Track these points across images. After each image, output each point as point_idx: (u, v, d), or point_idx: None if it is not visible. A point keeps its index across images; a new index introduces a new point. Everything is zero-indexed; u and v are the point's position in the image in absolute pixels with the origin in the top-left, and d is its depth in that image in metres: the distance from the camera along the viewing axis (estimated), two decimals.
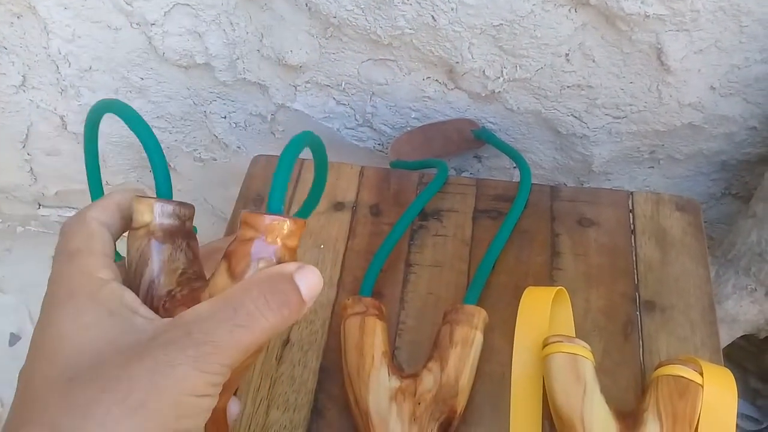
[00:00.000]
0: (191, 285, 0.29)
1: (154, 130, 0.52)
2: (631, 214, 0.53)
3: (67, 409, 0.25)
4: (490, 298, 0.48)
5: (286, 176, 0.30)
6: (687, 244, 0.51)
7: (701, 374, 0.40)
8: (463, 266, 0.51)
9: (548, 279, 0.49)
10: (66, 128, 0.74)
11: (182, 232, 0.30)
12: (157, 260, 0.29)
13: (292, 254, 0.28)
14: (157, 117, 0.71)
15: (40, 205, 0.85)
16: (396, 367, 0.43)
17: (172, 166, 0.75)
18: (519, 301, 0.46)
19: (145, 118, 0.78)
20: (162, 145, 0.54)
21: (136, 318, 0.28)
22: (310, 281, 0.28)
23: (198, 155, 0.74)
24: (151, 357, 0.26)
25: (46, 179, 0.82)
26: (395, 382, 0.41)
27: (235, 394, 0.31)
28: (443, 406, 0.40)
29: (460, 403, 0.41)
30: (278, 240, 0.27)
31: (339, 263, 0.51)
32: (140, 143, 0.32)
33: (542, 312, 0.45)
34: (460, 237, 0.52)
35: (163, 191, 0.31)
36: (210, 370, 0.26)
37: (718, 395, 0.40)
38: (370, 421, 0.39)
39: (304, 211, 0.38)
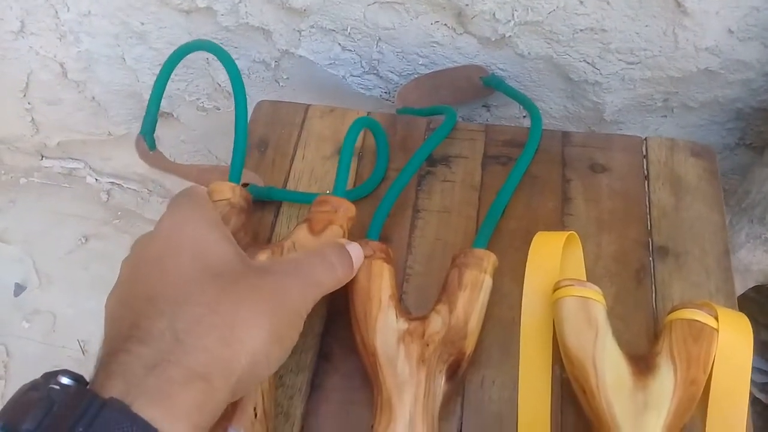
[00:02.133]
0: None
1: (154, 77, 0.51)
2: (644, 160, 0.51)
3: (221, 297, 0.31)
4: (499, 244, 0.47)
5: (349, 161, 0.46)
6: (702, 190, 0.49)
7: (716, 318, 0.39)
8: (472, 212, 0.50)
9: (559, 225, 0.48)
10: (66, 76, 0.73)
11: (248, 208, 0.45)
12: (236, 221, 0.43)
13: (351, 223, 0.44)
14: (158, 65, 0.69)
15: (42, 157, 0.84)
16: (403, 310, 0.42)
17: (174, 115, 0.73)
18: (529, 246, 0.45)
19: (145, 66, 0.76)
20: (164, 94, 0.52)
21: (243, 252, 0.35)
22: (356, 253, 0.40)
23: (201, 104, 0.73)
24: (276, 279, 0.34)
25: (48, 129, 0.80)
26: (403, 325, 0.40)
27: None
28: (451, 348, 0.39)
29: (469, 346, 0.40)
30: (345, 214, 0.44)
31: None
32: (146, 92, 0.40)
33: (553, 256, 0.44)
34: (469, 183, 0.51)
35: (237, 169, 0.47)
36: (310, 298, 0.35)
37: (734, 340, 0.39)
38: (377, 362, 0.39)
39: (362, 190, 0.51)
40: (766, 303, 0.66)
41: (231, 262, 0.34)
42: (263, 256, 0.42)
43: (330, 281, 0.37)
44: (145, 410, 0.26)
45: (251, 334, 0.31)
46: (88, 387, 0.28)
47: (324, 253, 0.38)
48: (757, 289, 0.63)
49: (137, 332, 0.29)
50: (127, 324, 0.30)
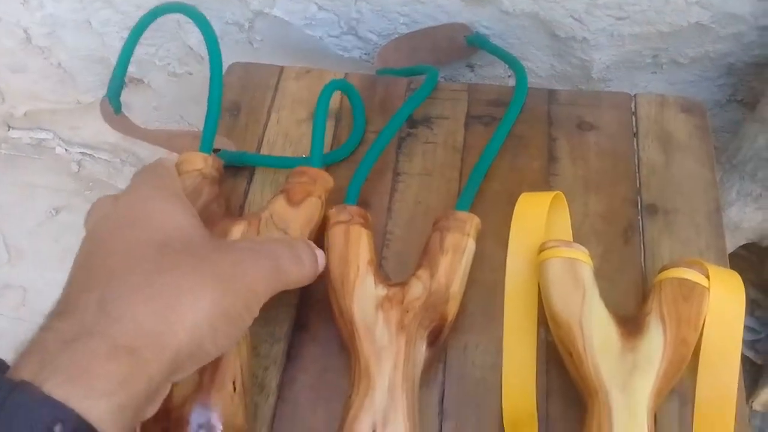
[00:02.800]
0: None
1: (122, 42, 0.48)
2: (633, 117, 0.49)
3: (163, 266, 0.29)
4: (482, 206, 0.45)
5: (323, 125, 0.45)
6: (692, 146, 0.48)
7: (707, 277, 0.38)
8: (455, 174, 0.48)
9: (545, 185, 0.46)
10: (30, 42, 0.69)
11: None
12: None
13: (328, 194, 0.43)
14: (126, 29, 0.66)
15: (9, 128, 0.81)
16: (382, 276, 0.41)
17: (145, 81, 0.70)
18: (513, 208, 0.44)
19: (113, 30, 0.73)
20: (132, 59, 0.50)
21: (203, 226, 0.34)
22: (321, 258, 0.37)
23: (172, 70, 0.70)
24: (234, 254, 0.32)
25: (14, 99, 0.77)
26: (381, 291, 0.38)
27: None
28: (433, 314, 0.38)
29: (451, 311, 0.38)
30: (324, 186, 0.42)
31: None
32: (115, 58, 0.41)
33: (538, 217, 0.42)
34: (451, 144, 0.49)
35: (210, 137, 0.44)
36: (271, 285, 0.33)
37: (725, 299, 0.38)
38: (355, 330, 0.37)
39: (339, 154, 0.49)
40: (756, 261, 0.65)
41: (185, 233, 0.31)
42: (238, 228, 0.40)
43: (295, 273, 0.35)
44: (58, 390, 0.24)
45: (194, 307, 0.28)
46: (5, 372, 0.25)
47: (293, 245, 0.36)
48: (747, 247, 0.62)
49: (64, 306, 0.27)
50: (62, 299, 0.28)
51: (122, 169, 0.78)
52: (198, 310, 0.28)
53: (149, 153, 0.58)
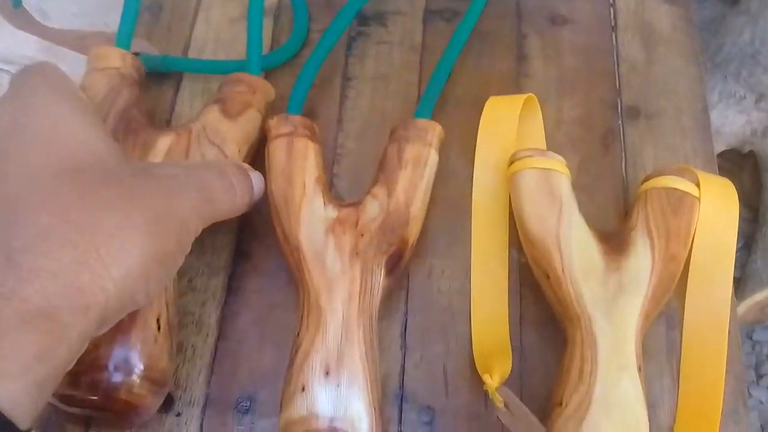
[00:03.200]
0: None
1: None
2: (611, 9, 0.44)
3: (82, 201, 0.23)
4: (445, 114, 0.40)
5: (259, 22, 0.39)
6: (676, 40, 0.43)
7: (697, 185, 0.34)
8: (413, 77, 0.42)
9: (514, 88, 0.41)
10: None
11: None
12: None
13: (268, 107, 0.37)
14: None
15: None
16: (333, 196, 0.35)
17: None
18: (480, 114, 0.38)
19: None
20: None
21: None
22: (259, 184, 0.32)
23: None
24: (162, 182, 0.26)
25: None
26: (332, 212, 0.33)
27: None
28: (392, 237, 0.33)
29: (412, 233, 0.34)
30: (264, 97, 0.37)
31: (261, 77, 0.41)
32: None
33: (508, 124, 0.37)
34: (408, 43, 0.43)
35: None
36: (203, 216, 0.28)
37: (717, 209, 0.34)
38: (302, 258, 0.32)
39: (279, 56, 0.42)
40: (735, 169, 0.62)
41: (100, 155, 0.26)
42: (165, 140, 0.34)
43: (227, 203, 0.30)
44: None
45: (122, 251, 0.23)
46: None
47: (224, 170, 0.30)
48: (725, 154, 0.58)
49: None
50: None
51: None
52: (128, 255, 0.23)
53: (75, 68, 0.50)
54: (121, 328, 0.29)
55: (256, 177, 0.32)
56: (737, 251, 0.35)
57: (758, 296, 0.59)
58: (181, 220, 0.26)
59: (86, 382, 0.28)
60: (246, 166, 0.33)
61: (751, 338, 0.70)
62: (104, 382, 0.28)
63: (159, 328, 0.30)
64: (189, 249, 0.28)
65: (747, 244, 0.61)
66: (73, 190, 0.23)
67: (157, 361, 0.29)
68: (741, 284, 0.60)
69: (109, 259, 0.23)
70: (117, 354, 0.28)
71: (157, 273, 0.25)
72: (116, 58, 0.36)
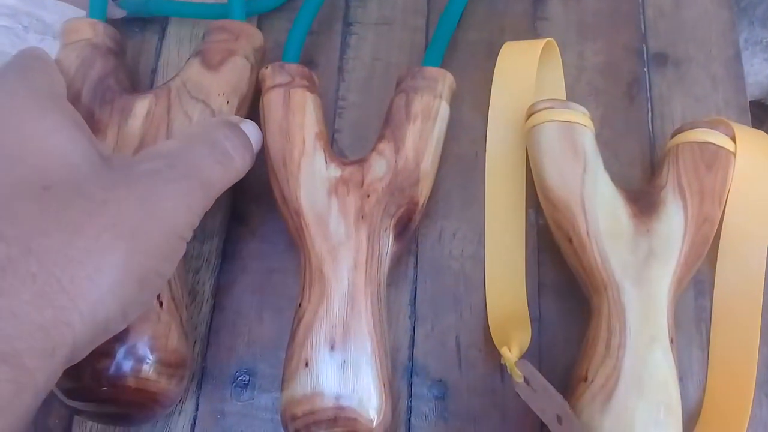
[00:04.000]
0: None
1: None
2: None
3: (45, 224, 0.20)
4: (456, 61, 0.37)
5: None
6: None
7: (733, 139, 0.31)
8: (420, 21, 0.38)
9: (530, 32, 0.38)
10: None
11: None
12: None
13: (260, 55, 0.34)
14: None
15: None
16: (335, 153, 0.32)
17: None
18: (494, 62, 0.35)
19: None
20: None
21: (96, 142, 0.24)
22: (255, 133, 0.29)
23: None
24: (139, 186, 0.23)
25: None
26: (335, 171, 0.30)
27: None
28: (400, 198, 0.30)
29: (423, 193, 0.31)
30: (250, 43, 0.33)
31: (254, 24, 0.38)
32: None
33: (526, 73, 0.34)
34: None
35: None
36: (196, 208, 0.25)
37: (754, 165, 0.31)
38: (303, 222, 0.29)
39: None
40: (757, 123, 0.59)
41: (72, 167, 0.22)
42: (142, 104, 0.30)
43: (224, 178, 0.26)
44: None
45: (89, 281, 0.20)
46: None
47: (213, 138, 0.27)
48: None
49: None
50: None
51: (26, 37, 0.63)
52: (97, 284, 0.20)
53: (57, 17, 0.47)
54: None
55: (250, 127, 0.29)
56: None
57: None
58: (167, 225, 0.23)
59: (89, 373, 0.26)
60: (236, 118, 0.29)
61: None
62: (106, 370, 0.26)
63: (161, 304, 0.27)
64: (182, 252, 0.25)
65: None
66: (35, 213, 0.20)
67: (164, 341, 0.27)
68: None
69: (75, 292, 0.20)
70: (115, 339, 0.26)
71: (137, 296, 0.22)
72: (87, 30, 0.33)
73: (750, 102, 0.52)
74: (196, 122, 0.30)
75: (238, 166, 0.27)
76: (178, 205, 0.23)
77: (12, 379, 0.18)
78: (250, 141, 0.28)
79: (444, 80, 0.32)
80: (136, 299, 0.22)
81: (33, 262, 0.19)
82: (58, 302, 0.19)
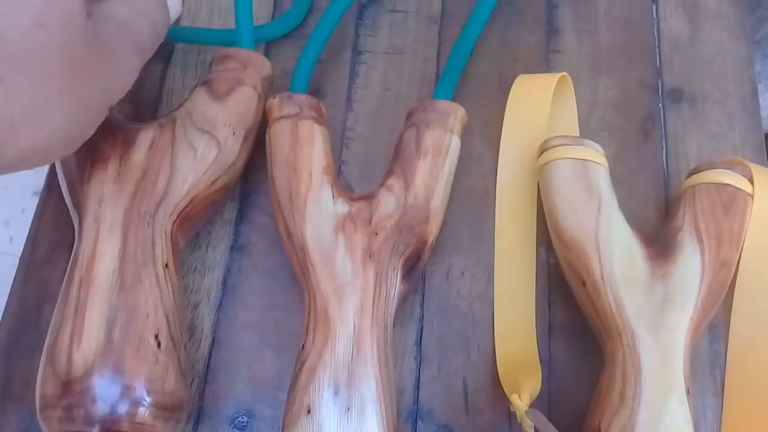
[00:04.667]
0: None
1: None
2: None
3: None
4: (467, 93, 0.36)
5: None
6: (724, 14, 0.38)
7: (750, 181, 0.30)
8: (431, 52, 0.38)
9: (544, 65, 0.37)
10: None
11: None
12: None
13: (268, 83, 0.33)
14: None
15: None
16: (343, 187, 0.32)
17: None
18: (507, 95, 0.34)
19: None
20: None
21: None
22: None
23: None
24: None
25: None
26: (342, 207, 0.29)
27: None
28: (409, 236, 0.29)
29: (432, 231, 0.30)
30: (258, 72, 0.32)
31: (261, 52, 0.37)
32: None
33: (539, 108, 0.33)
34: (425, 13, 0.39)
35: None
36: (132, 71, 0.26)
37: None
38: (309, 261, 0.28)
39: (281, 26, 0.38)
40: None
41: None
42: (146, 136, 0.30)
43: (152, 46, 0.28)
44: None
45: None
46: None
47: (149, 8, 0.27)
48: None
49: None
50: None
51: None
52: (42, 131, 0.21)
53: None
54: (113, 348, 0.26)
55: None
56: None
57: None
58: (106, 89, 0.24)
59: (81, 416, 0.25)
60: None
61: None
62: (100, 414, 0.25)
63: (159, 344, 0.26)
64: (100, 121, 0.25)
65: None
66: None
67: (161, 384, 0.26)
68: None
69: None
70: (110, 381, 0.25)
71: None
72: None
73: (765, 135, 0.51)
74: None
75: (160, 32, 0.28)
76: (119, 70, 0.25)
77: None
78: (168, 10, 0.29)
79: (456, 114, 0.32)
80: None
81: None
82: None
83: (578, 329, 0.31)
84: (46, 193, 0.34)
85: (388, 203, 0.29)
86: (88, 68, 0.22)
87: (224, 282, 0.32)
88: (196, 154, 0.29)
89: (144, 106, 0.36)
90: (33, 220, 0.34)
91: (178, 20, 0.38)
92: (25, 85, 0.20)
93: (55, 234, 0.33)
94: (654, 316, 0.27)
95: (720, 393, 0.30)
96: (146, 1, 0.28)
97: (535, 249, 0.32)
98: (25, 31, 0.20)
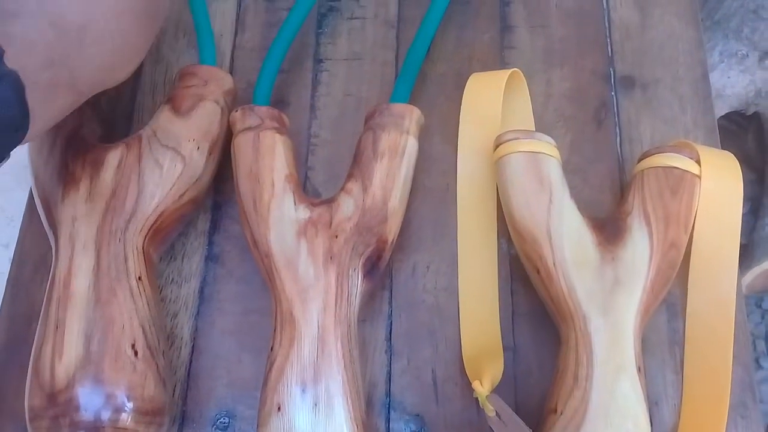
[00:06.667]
0: None
1: None
2: None
3: None
4: (425, 94, 0.37)
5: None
6: (673, 0, 0.39)
7: (698, 162, 0.31)
8: (390, 55, 0.39)
9: (498, 62, 0.38)
10: None
11: None
12: None
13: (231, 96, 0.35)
14: None
15: None
16: (306, 194, 0.33)
17: None
18: (462, 94, 0.36)
19: None
20: None
21: None
22: None
23: None
24: None
25: None
26: (303, 213, 0.31)
27: None
28: (368, 237, 0.30)
29: (392, 230, 0.31)
30: (220, 87, 0.34)
31: (226, 65, 0.39)
32: None
33: (492, 103, 0.35)
34: (383, 18, 0.40)
35: None
36: None
37: (720, 187, 0.31)
38: (273, 264, 0.30)
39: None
40: (739, 131, 0.59)
41: None
42: (114, 155, 0.31)
43: None
44: None
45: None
46: None
47: None
48: (728, 116, 0.55)
49: None
50: None
51: None
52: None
53: None
54: (92, 360, 0.27)
55: None
56: (743, 216, 0.32)
57: (767, 264, 0.57)
58: None
59: (67, 425, 0.26)
60: None
61: (760, 306, 0.68)
62: (84, 422, 0.26)
63: (136, 353, 0.28)
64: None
65: (753, 207, 0.59)
66: None
67: (140, 390, 0.28)
68: (748, 251, 0.57)
69: None
70: (91, 390, 0.27)
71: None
72: None
73: (730, 113, 0.52)
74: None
75: None
76: None
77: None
78: None
79: (411, 116, 0.33)
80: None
81: None
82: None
83: (541, 315, 0.32)
84: (28, 215, 0.36)
85: (347, 206, 0.31)
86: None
87: (201, 291, 0.34)
88: (162, 171, 0.31)
89: (117, 124, 0.37)
90: (17, 241, 0.35)
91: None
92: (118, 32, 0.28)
93: (37, 253, 0.34)
94: (604, 299, 0.28)
95: (680, 369, 0.31)
96: None
97: (496, 241, 0.33)
98: None
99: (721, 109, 0.51)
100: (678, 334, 0.31)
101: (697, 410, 0.30)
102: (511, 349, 0.32)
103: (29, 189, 0.36)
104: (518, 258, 0.33)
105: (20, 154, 0.41)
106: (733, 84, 0.49)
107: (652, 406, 0.30)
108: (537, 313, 0.32)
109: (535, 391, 0.31)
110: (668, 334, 0.32)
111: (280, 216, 0.30)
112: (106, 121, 0.36)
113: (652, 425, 0.28)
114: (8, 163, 0.40)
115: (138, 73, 0.39)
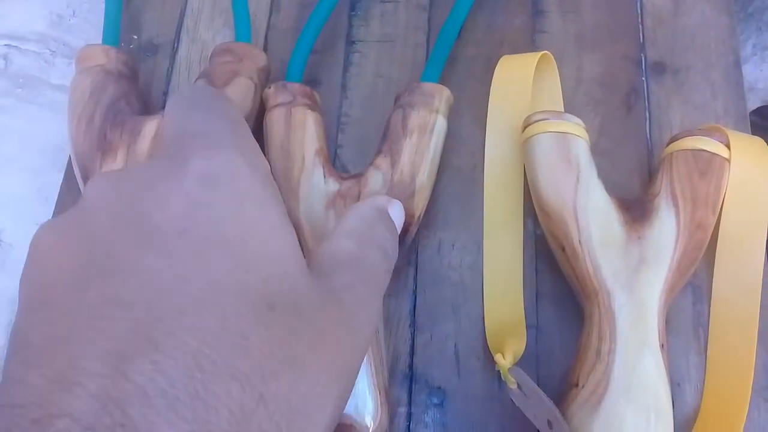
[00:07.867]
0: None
1: None
2: None
3: (274, 360, 0.17)
4: (455, 76, 0.38)
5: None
6: None
7: (727, 146, 0.31)
8: (421, 38, 0.39)
9: (529, 46, 0.38)
10: None
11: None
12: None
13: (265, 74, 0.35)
14: None
15: None
16: (336, 168, 0.34)
17: None
18: (492, 75, 0.36)
19: None
20: None
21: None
22: (398, 216, 0.25)
23: None
24: (343, 309, 0.19)
25: None
26: (333, 186, 0.31)
27: None
28: None
29: (419, 206, 0.32)
30: (254, 64, 0.34)
31: (260, 45, 0.40)
32: None
33: (522, 85, 0.35)
34: (415, 1, 0.40)
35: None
36: (376, 315, 0.22)
37: (749, 171, 0.31)
38: (302, 235, 0.30)
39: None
40: None
41: (290, 279, 0.19)
42: (151, 125, 0.32)
43: (388, 280, 0.23)
44: None
45: (316, 424, 0.17)
46: None
47: (380, 241, 0.23)
48: (759, 111, 0.54)
49: (66, 398, 0.14)
50: (53, 368, 0.15)
51: (54, 61, 0.66)
52: (320, 425, 0.18)
53: (81, 41, 0.49)
54: None
55: (396, 210, 0.25)
56: None
57: None
58: (362, 355, 0.20)
59: None
60: (384, 200, 0.25)
61: None
62: None
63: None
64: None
65: None
66: (263, 341, 0.17)
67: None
68: None
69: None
70: None
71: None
72: (100, 56, 0.35)
73: (762, 107, 0.52)
74: (352, 208, 0.25)
75: (393, 261, 0.23)
76: (371, 332, 0.21)
77: None
78: (397, 232, 0.25)
79: (441, 95, 0.33)
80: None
81: (263, 415, 0.16)
82: None
83: (564, 295, 0.32)
84: (63, 195, 0.37)
85: (375, 180, 0.31)
86: (328, 339, 0.18)
87: None
88: None
89: (153, 100, 0.38)
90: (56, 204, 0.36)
91: (182, 21, 0.41)
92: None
93: None
94: (629, 277, 0.28)
95: (703, 351, 0.31)
96: (372, 226, 0.23)
97: (522, 221, 0.34)
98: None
99: (753, 103, 0.51)
100: (703, 316, 0.31)
101: (720, 392, 0.30)
102: (534, 327, 0.32)
103: (64, 171, 0.38)
104: (544, 238, 0.33)
105: (55, 137, 0.43)
106: (766, 77, 0.48)
107: (675, 387, 0.30)
108: (561, 294, 0.32)
109: (556, 370, 0.31)
110: (693, 316, 0.32)
111: (310, 188, 0.31)
112: (143, 98, 0.37)
113: (674, 406, 0.28)
114: (44, 146, 0.41)
115: (174, 52, 0.40)
